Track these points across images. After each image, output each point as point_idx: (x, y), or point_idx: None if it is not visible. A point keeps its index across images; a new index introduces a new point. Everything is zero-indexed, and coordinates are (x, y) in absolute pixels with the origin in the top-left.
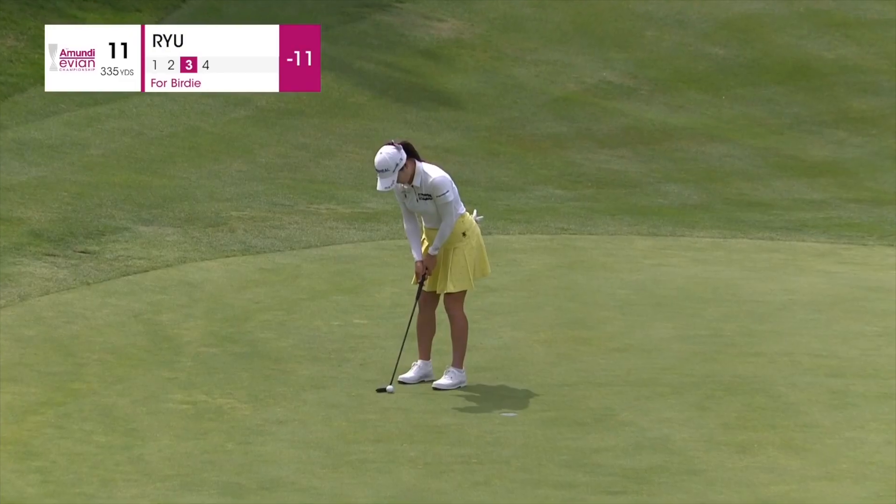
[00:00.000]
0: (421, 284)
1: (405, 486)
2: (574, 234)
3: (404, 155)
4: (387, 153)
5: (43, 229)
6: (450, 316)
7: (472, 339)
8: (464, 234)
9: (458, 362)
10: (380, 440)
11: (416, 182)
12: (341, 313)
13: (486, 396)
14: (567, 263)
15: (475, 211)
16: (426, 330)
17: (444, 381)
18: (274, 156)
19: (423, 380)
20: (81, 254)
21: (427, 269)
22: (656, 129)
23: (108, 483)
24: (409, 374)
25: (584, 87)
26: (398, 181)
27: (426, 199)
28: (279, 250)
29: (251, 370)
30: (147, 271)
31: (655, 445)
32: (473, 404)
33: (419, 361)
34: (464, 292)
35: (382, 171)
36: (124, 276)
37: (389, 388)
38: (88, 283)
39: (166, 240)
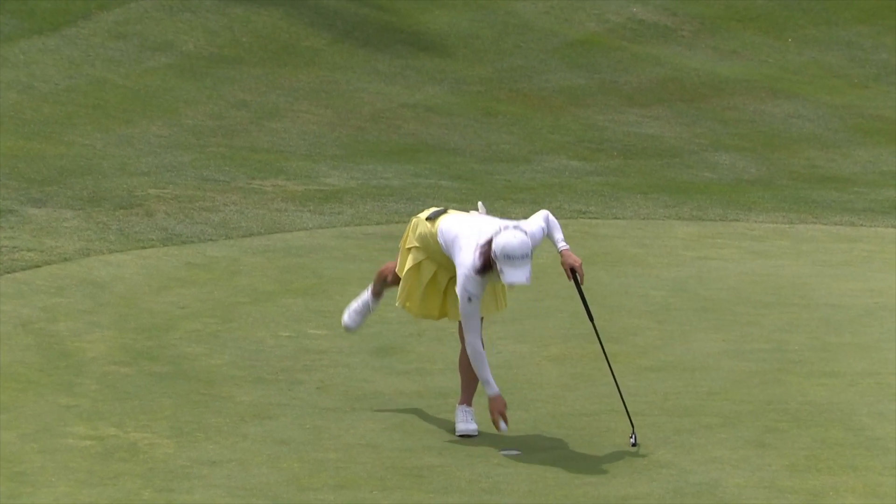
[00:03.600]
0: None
1: None
2: (595, 217)
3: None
4: (521, 238)
5: None
6: (464, 340)
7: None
8: None
9: (468, 398)
10: (343, 486)
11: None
12: (292, 321)
13: (480, 429)
14: (585, 256)
15: (479, 203)
16: (385, 280)
17: (464, 426)
18: (204, 116)
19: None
20: None
21: (572, 267)
22: (702, 82)
23: None
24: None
25: (607, 28)
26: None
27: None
28: (211, 239)
29: (175, 396)
30: (39, 266)
31: (701, 492)
32: (464, 440)
33: (366, 295)
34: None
35: (523, 256)
36: (8, 272)
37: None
38: None
39: (63, 226)
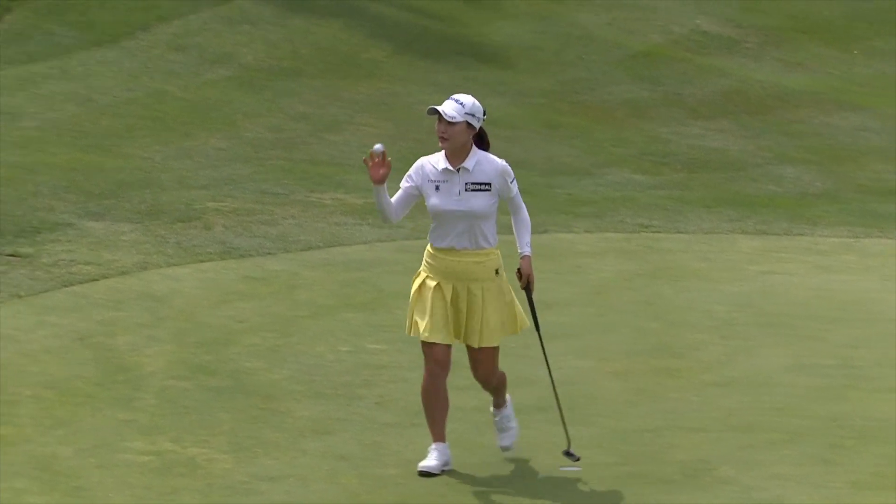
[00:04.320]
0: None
1: None
2: (658, 231)
3: (482, 117)
4: (470, 97)
5: None
6: (488, 386)
7: (525, 371)
8: (496, 271)
9: (501, 401)
10: (403, 503)
11: (467, 163)
12: (352, 336)
13: (542, 445)
14: (649, 271)
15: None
16: (440, 401)
17: (506, 436)
18: (263, 129)
19: (445, 469)
20: (10, 258)
21: (529, 276)
22: (767, 94)
23: None
24: (431, 462)
25: (671, 39)
26: (446, 155)
27: (479, 190)
28: (270, 253)
29: (233, 410)
30: (97, 280)
31: None
32: (526, 455)
33: (435, 445)
34: (498, 349)
35: (456, 100)
36: (67, 286)
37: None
38: (20, 296)
39: (122, 239)
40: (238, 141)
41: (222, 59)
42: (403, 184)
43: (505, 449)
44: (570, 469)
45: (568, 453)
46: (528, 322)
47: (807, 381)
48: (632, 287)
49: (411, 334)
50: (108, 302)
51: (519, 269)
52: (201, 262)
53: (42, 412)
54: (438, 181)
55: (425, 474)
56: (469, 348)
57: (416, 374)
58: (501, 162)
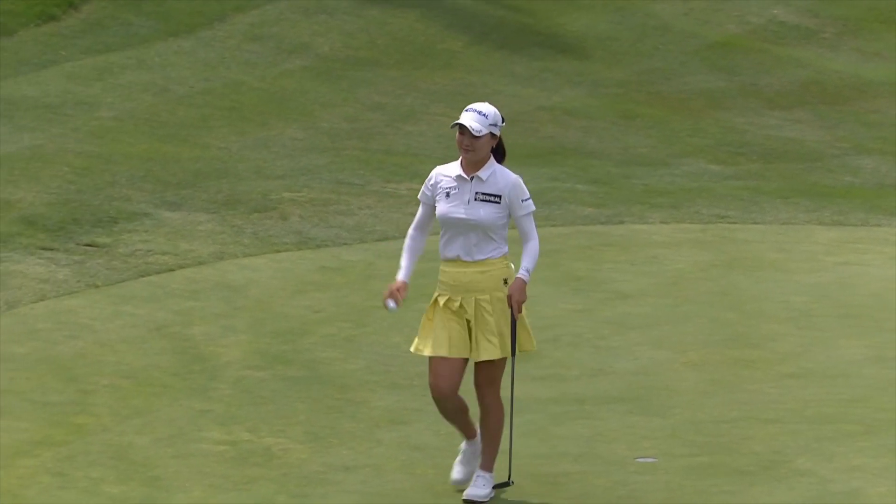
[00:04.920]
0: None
1: None
2: (734, 222)
3: (502, 124)
4: (490, 105)
5: (37, 215)
6: (484, 399)
7: (601, 360)
8: (505, 281)
9: (489, 464)
10: None
11: (482, 173)
12: None
13: (616, 436)
14: (725, 261)
15: (511, 265)
16: (460, 407)
17: (473, 490)
18: (339, 119)
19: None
20: (87, 248)
21: (512, 298)
22: (844, 85)
23: None
24: (457, 475)
25: (748, 29)
26: (461, 163)
27: (488, 201)
28: (346, 243)
29: (309, 400)
30: (173, 270)
31: (841, 502)
32: (601, 446)
33: (466, 442)
34: (504, 363)
35: (479, 111)
36: (143, 276)
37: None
38: (97, 286)
39: (198, 229)
40: (314, 131)
41: (299, 49)
42: (421, 199)
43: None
44: (646, 460)
45: (501, 485)
46: (533, 345)
47: (884, 372)
48: (708, 277)
49: (413, 350)
50: (184, 292)
51: (510, 291)
52: (277, 252)
53: (119, 402)
54: (450, 188)
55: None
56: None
57: None
58: (515, 177)
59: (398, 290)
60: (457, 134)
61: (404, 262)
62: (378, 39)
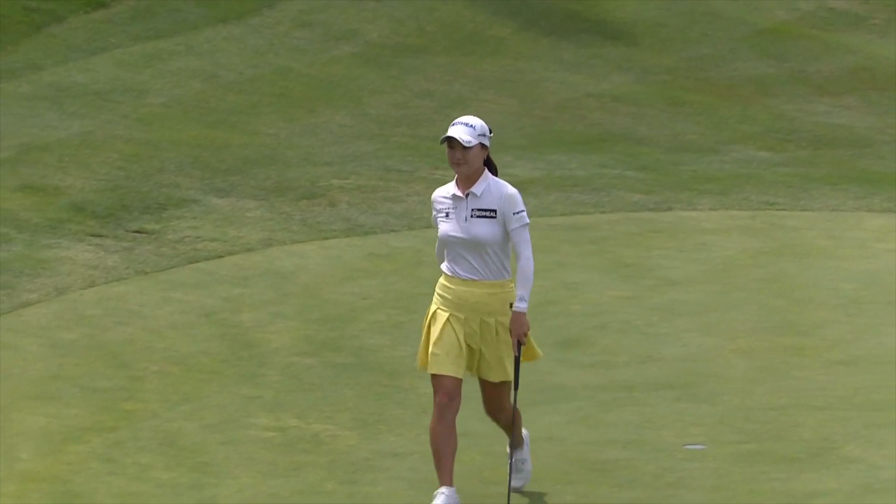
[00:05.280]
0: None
1: None
2: (783, 209)
3: (490, 135)
4: (476, 118)
5: (87, 202)
6: (500, 422)
7: (649, 347)
8: (511, 304)
9: (519, 441)
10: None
11: (476, 188)
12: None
13: (665, 422)
14: (774, 248)
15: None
16: (449, 440)
17: (520, 479)
18: (388, 106)
19: None
20: (136, 234)
21: (512, 332)
22: (894, 71)
23: None
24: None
25: (797, 16)
26: (457, 181)
27: (484, 217)
28: (394, 230)
29: (357, 387)
30: (222, 257)
31: (891, 489)
32: (649, 433)
33: (443, 489)
34: (509, 388)
35: (466, 123)
36: (192, 263)
37: None
38: (146, 273)
39: (247, 216)
40: (363, 118)
41: (347, 35)
42: (434, 223)
43: (515, 489)
44: (695, 447)
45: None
46: (539, 354)
47: None
48: (757, 264)
49: (419, 367)
50: (233, 278)
51: (510, 325)
52: (326, 238)
53: (168, 388)
54: (448, 208)
55: None
56: (481, 381)
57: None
58: (510, 189)
59: None
60: (447, 150)
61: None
62: (427, 26)
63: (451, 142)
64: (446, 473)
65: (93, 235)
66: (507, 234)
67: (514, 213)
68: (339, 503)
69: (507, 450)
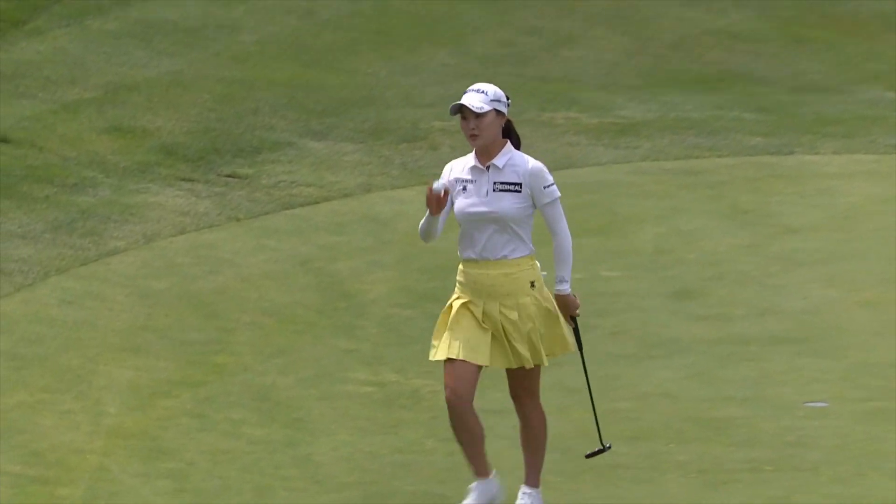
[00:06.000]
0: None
1: (670, 500)
2: None
3: (507, 101)
4: (489, 84)
5: (177, 144)
6: (523, 409)
7: (768, 298)
8: (532, 284)
9: (534, 478)
10: (637, 437)
11: (498, 160)
12: (585, 262)
13: (784, 378)
14: None
15: (538, 265)
16: (470, 430)
17: None
18: (493, 44)
19: None
20: (228, 178)
21: (568, 307)
22: None
23: (265, 492)
24: None
25: None
26: (476, 153)
27: (508, 191)
28: None
29: None
30: (318, 203)
31: None
32: (767, 390)
33: (477, 483)
34: (539, 374)
35: (477, 90)
36: (287, 209)
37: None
38: (238, 219)
39: (344, 160)
40: (466, 57)
41: None
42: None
43: None
44: (816, 405)
45: (595, 453)
46: (572, 347)
47: None
48: (883, 212)
49: (431, 358)
50: (329, 225)
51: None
52: (427, 183)
53: (261, 340)
54: (466, 181)
55: None
56: (508, 369)
57: (653, 302)
58: (536, 162)
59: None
60: (460, 121)
61: (430, 225)
62: None
63: (464, 111)
64: (477, 462)
65: (183, 180)
66: (529, 210)
67: (544, 188)
68: (440, 462)
69: (521, 487)
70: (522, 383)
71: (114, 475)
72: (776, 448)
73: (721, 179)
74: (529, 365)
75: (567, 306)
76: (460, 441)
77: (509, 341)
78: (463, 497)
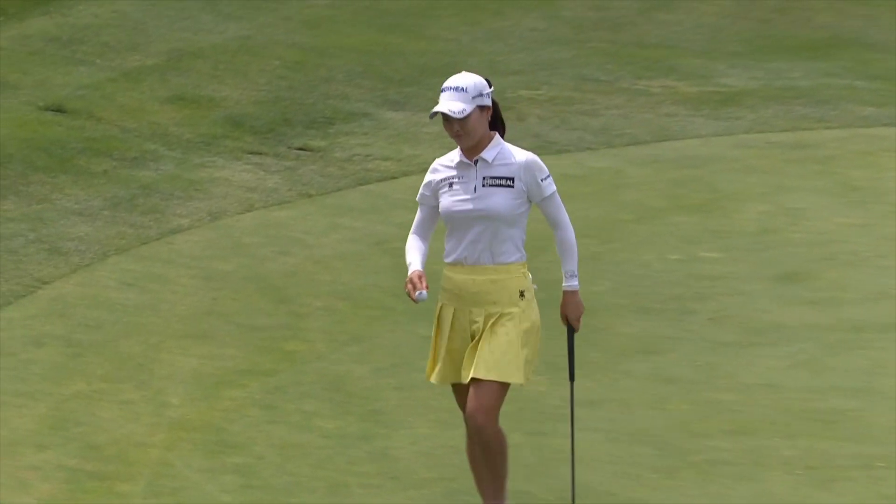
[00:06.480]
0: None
1: (776, 499)
2: None
3: (489, 90)
4: (467, 75)
5: (244, 115)
6: (475, 427)
7: (882, 282)
8: (521, 294)
9: (498, 495)
10: (739, 432)
11: (486, 154)
12: (683, 242)
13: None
14: None
15: (530, 277)
16: (498, 447)
17: None
18: (585, 7)
19: None
20: (299, 152)
21: (568, 317)
22: None
23: (338, 489)
24: None
25: None
26: (462, 148)
27: (498, 186)
28: (591, 148)
29: (547, 326)
30: (396, 178)
31: None
32: (880, 381)
33: None
34: (505, 390)
35: (455, 88)
36: (363, 185)
37: None
38: (310, 195)
39: (424, 132)
40: (556, 21)
41: None
42: (419, 200)
43: None
44: None
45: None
46: (522, 380)
47: None
48: None
49: (427, 377)
50: (408, 202)
51: (561, 309)
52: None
53: (335, 326)
54: (452, 178)
55: None
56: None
57: (757, 286)
58: (529, 154)
59: (419, 277)
60: (443, 123)
61: (412, 257)
62: None
63: (445, 114)
64: (496, 490)
65: (251, 153)
66: (523, 208)
67: (541, 181)
68: (527, 457)
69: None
70: (479, 397)
71: (177, 470)
72: (889, 444)
73: (831, 153)
74: (483, 376)
75: (576, 306)
76: (476, 471)
77: (477, 350)
78: (551, 494)
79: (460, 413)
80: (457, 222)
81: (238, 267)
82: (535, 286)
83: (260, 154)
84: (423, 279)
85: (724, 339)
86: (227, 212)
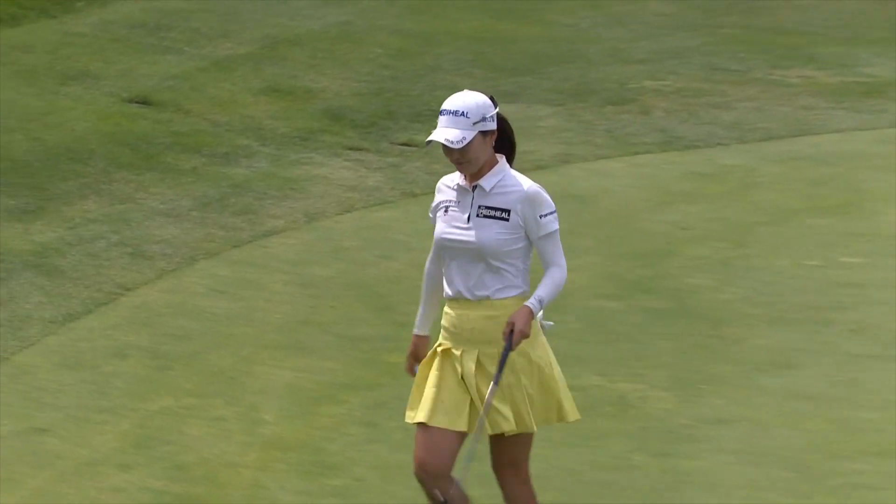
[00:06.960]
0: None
1: None
2: None
3: (494, 111)
4: (469, 95)
5: (345, 108)
6: (504, 486)
7: None
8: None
9: None
10: (883, 454)
11: (485, 181)
12: (822, 247)
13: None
14: None
15: (541, 313)
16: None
17: None
18: None
19: None
20: (404, 148)
21: (513, 329)
22: None
23: None
24: None
25: None
26: (462, 170)
27: (492, 217)
28: (722, 144)
29: (674, 338)
30: None
31: None
32: None
33: None
34: (528, 443)
35: (454, 112)
36: None
37: None
38: (414, 195)
39: (539, 125)
40: (685, 5)
41: None
42: (431, 219)
43: None
44: None
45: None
46: (571, 416)
47: None
48: None
49: (408, 421)
50: None
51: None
52: (636, 154)
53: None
54: (450, 202)
55: None
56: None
57: None
58: (533, 185)
59: (419, 354)
60: (442, 148)
61: (420, 309)
62: None
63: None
64: None
65: (351, 149)
66: (519, 244)
67: (539, 217)
68: (650, 480)
69: None
70: (502, 452)
71: (271, 492)
72: None
73: None
74: (511, 430)
75: (525, 320)
76: None
77: (479, 400)
78: None
79: (578, 431)
80: (446, 251)
81: (337, 272)
82: (549, 323)
83: (361, 150)
84: (424, 351)
85: (865, 352)
86: (326, 213)
